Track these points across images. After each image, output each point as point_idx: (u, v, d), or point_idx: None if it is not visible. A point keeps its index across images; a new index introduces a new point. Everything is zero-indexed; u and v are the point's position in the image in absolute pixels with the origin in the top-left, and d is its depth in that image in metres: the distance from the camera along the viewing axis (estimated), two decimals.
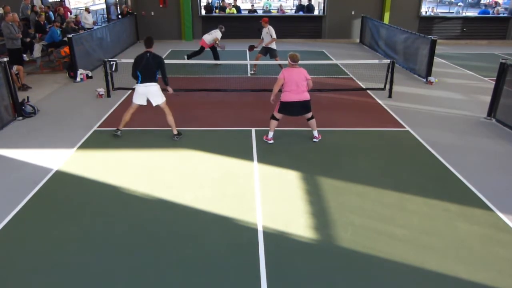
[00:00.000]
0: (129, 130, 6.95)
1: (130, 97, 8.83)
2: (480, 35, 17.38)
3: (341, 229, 4.34)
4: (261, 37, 10.94)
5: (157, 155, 6.06)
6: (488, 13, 19.19)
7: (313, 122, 6.49)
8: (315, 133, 6.57)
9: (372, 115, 7.90)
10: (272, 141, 6.53)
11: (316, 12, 18.55)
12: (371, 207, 4.76)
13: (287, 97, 6.20)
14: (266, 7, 19.28)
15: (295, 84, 6.11)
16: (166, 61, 6.64)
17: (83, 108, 8.20)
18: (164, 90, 6.60)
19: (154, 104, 6.48)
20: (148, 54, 6.26)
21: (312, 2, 18.16)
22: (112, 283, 3.57)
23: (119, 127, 6.69)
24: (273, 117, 6.44)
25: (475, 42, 17.31)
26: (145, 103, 6.50)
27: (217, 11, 18.65)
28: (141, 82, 6.32)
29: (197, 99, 8.71)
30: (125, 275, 3.66)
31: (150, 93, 6.38)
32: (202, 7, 17.74)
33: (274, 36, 10.70)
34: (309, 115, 6.42)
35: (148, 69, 6.25)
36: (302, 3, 18.47)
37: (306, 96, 6.23)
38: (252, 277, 3.64)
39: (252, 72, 11.32)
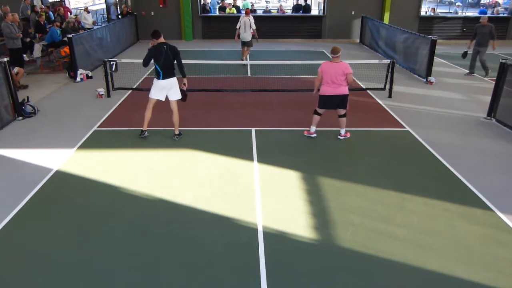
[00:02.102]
0: (129, 130, 6.96)
1: (130, 97, 8.90)
2: None
3: (341, 229, 4.34)
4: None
5: (157, 155, 6.06)
6: (486, 13, 19.17)
7: (343, 120, 6.52)
8: (342, 131, 6.63)
9: (372, 115, 7.90)
10: (314, 135, 6.62)
11: (315, 12, 18.52)
12: (371, 207, 4.76)
13: (323, 90, 6.34)
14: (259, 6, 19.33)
15: (331, 78, 6.19)
16: None
17: (83, 108, 8.20)
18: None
19: (174, 99, 6.41)
20: (165, 46, 6.18)
21: (312, 2, 18.13)
22: (112, 283, 3.57)
23: (143, 128, 6.59)
24: (315, 112, 6.54)
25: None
26: (163, 98, 6.43)
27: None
28: (163, 78, 6.25)
29: (197, 99, 8.70)
30: (125, 275, 3.66)
31: (172, 86, 6.33)
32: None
33: (237, 26, 11.61)
34: (342, 111, 6.45)
35: (168, 63, 6.19)
36: (299, 3, 18.45)
37: (343, 91, 6.28)
38: (252, 277, 3.64)
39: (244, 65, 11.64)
